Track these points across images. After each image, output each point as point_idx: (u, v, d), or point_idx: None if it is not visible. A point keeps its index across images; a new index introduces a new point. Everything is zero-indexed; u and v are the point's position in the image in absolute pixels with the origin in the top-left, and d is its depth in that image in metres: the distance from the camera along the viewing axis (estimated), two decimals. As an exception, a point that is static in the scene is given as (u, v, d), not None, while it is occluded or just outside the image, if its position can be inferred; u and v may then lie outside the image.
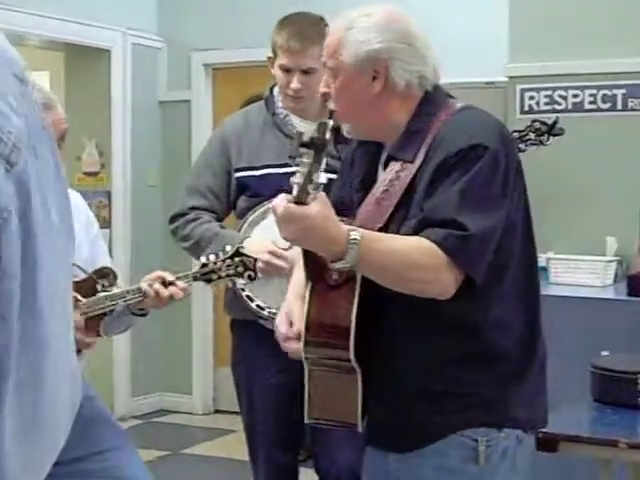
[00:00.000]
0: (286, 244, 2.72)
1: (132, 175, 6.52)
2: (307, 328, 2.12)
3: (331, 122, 1.97)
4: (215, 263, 2.71)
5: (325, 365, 2.15)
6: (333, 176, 2.48)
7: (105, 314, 2.64)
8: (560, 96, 4.89)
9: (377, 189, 2.16)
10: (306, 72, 3.04)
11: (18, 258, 0.70)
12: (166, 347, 6.67)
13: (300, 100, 3.10)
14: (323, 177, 1.95)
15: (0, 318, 0.70)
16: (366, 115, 2.18)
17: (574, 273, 4.58)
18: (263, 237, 2.94)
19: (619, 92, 4.78)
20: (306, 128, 3.15)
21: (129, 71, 6.47)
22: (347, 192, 2.30)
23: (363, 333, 2.09)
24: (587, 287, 4.50)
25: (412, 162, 2.11)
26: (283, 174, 2.87)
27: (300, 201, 1.93)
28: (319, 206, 1.94)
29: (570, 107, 4.87)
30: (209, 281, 2.72)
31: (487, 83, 5.34)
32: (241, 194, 3.16)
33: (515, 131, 4.61)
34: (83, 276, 2.66)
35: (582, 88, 4.85)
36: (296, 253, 2.30)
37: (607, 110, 4.81)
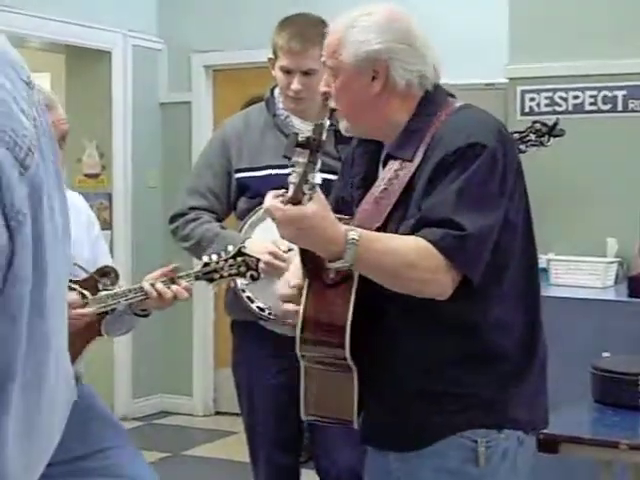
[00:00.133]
0: (287, 245, 2.72)
1: (133, 177, 6.52)
2: (303, 326, 2.12)
3: (327, 123, 1.97)
4: (217, 263, 2.71)
5: (321, 363, 2.15)
6: (334, 177, 2.48)
7: (106, 313, 2.64)
8: (560, 97, 4.90)
9: (376, 188, 2.16)
10: (306, 73, 3.05)
11: (30, 262, 0.71)
12: (167, 349, 6.67)
13: (301, 101, 3.10)
14: (318, 177, 1.95)
15: (11, 321, 0.70)
16: (366, 115, 2.18)
17: (575, 274, 4.58)
18: (264, 238, 2.94)
19: (620, 93, 4.78)
20: (306, 129, 3.16)
21: (130, 73, 6.47)
22: (348, 191, 2.30)
23: (361, 333, 2.09)
24: (588, 288, 4.50)
25: (411, 161, 2.11)
26: (284, 175, 2.86)
27: (296, 201, 1.94)
28: (316, 206, 1.94)
29: (570, 108, 4.88)
30: (211, 280, 2.72)
31: (487, 84, 5.34)
32: (241, 195, 3.16)
33: (515, 132, 4.61)
34: (85, 275, 2.66)
35: (582, 89, 4.85)
36: (296, 253, 2.31)
37: (608, 111, 4.81)
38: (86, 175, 6.49)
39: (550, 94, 4.91)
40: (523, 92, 4.96)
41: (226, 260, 2.71)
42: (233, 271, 2.72)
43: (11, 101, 0.71)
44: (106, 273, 2.66)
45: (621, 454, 2.72)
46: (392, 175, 2.13)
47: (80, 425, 2.69)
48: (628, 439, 2.71)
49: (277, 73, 3.12)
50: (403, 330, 2.12)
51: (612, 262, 4.63)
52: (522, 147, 4.55)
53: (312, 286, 2.13)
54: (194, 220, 3.13)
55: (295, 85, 3.06)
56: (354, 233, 1.98)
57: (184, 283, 2.66)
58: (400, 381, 2.13)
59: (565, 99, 4.89)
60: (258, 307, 3.01)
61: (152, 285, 2.63)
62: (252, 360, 3.16)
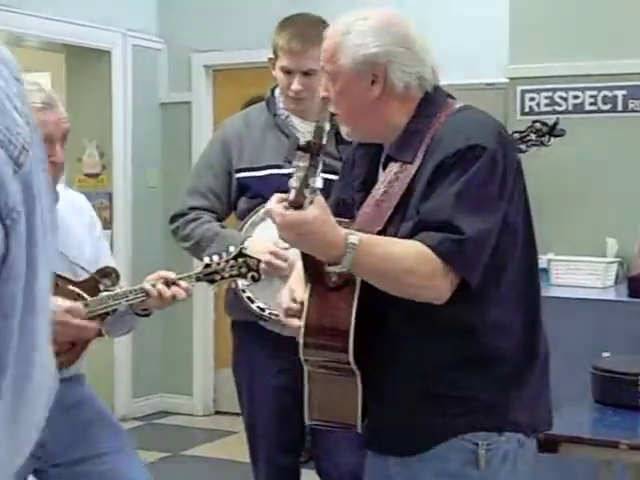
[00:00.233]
0: (286, 244, 2.72)
1: (133, 176, 6.52)
2: (306, 330, 2.11)
3: (328, 126, 1.95)
4: (218, 264, 2.70)
5: (325, 367, 2.14)
6: (334, 177, 2.48)
7: (108, 314, 2.64)
8: (560, 97, 4.90)
9: (376, 191, 2.15)
10: (307, 73, 3.05)
11: (24, 259, 0.71)
12: (167, 348, 6.67)
13: (301, 101, 3.10)
14: (319, 181, 1.94)
15: (3, 317, 0.71)
16: (366, 118, 2.17)
17: (575, 274, 4.58)
18: (264, 237, 2.94)
19: (619, 93, 4.79)
20: (307, 129, 3.17)
21: (130, 72, 6.47)
22: (348, 193, 2.29)
23: (363, 337, 2.08)
24: (588, 288, 4.50)
25: (411, 163, 2.10)
26: (284, 175, 2.87)
27: (297, 205, 1.93)
28: (317, 210, 1.94)
29: (570, 108, 4.88)
30: (212, 282, 2.72)
31: (487, 84, 5.34)
32: (242, 195, 3.16)
33: (516, 132, 4.62)
34: (86, 276, 2.66)
35: (582, 89, 4.85)
36: (295, 253, 2.30)
37: (608, 111, 4.82)
38: (86, 175, 6.49)
39: (550, 94, 4.91)
40: (523, 92, 4.96)
41: (227, 261, 2.70)
42: (234, 272, 2.71)
43: (4, 98, 0.71)
44: (107, 274, 2.65)
45: (621, 454, 2.72)
46: (392, 177, 2.12)
47: (82, 427, 2.69)
48: (628, 439, 2.71)
49: (277, 73, 3.12)
50: (405, 335, 2.11)
51: (612, 262, 4.63)
52: (522, 147, 4.56)
53: (314, 290, 2.13)
54: (194, 220, 3.13)
55: (295, 85, 3.06)
56: (354, 237, 1.97)
57: (184, 284, 2.65)
58: (402, 385, 2.12)
59: (565, 99, 4.89)
60: (258, 307, 3.01)
61: (153, 286, 2.62)
62: (252, 360, 3.16)
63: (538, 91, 4.92)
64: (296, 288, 2.22)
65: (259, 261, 2.73)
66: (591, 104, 4.84)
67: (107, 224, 6.21)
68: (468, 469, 2.10)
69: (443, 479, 2.11)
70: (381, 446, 2.20)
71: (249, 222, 3.07)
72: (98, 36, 6.23)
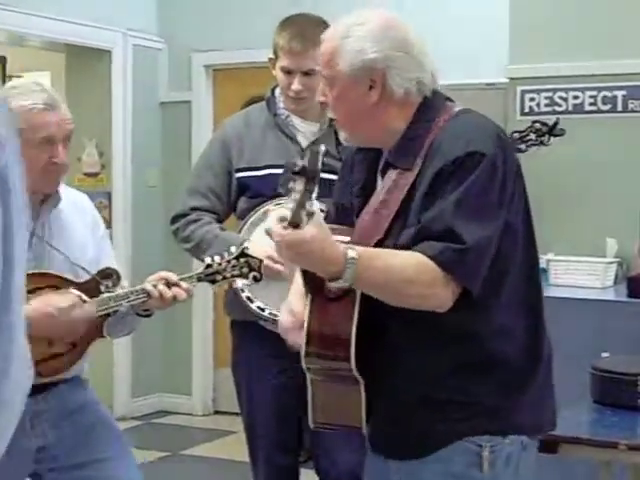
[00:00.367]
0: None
1: (132, 176, 6.52)
2: (308, 340, 2.10)
3: (323, 149, 1.91)
4: (220, 264, 2.69)
5: (327, 375, 2.13)
6: (334, 177, 2.48)
7: (109, 315, 2.63)
8: (560, 97, 4.90)
9: (376, 198, 2.13)
10: (307, 73, 3.05)
11: (1, 255, 0.70)
12: (166, 348, 6.67)
13: (301, 101, 3.10)
14: (316, 205, 1.92)
15: None
16: (364, 124, 2.15)
17: (574, 274, 4.58)
18: (262, 240, 2.93)
19: (619, 93, 4.79)
20: (307, 129, 3.17)
21: (129, 72, 6.47)
22: (347, 197, 2.28)
23: (363, 348, 2.07)
24: (587, 289, 4.50)
25: (410, 170, 2.08)
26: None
27: (296, 224, 1.92)
28: (315, 229, 1.92)
29: (570, 108, 4.88)
30: (213, 282, 2.71)
31: (487, 84, 5.34)
32: (242, 195, 3.16)
33: (516, 132, 4.62)
34: (87, 277, 2.65)
35: (582, 89, 4.85)
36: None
37: (607, 111, 4.82)
38: (85, 174, 6.49)
39: (550, 94, 4.91)
40: (523, 92, 4.96)
41: (229, 261, 2.70)
42: (236, 272, 2.70)
43: None
44: (108, 275, 2.64)
45: (620, 454, 2.72)
46: (391, 185, 2.10)
47: (85, 432, 2.69)
48: (627, 439, 2.71)
49: (278, 73, 3.12)
50: (405, 346, 2.10)
51: (611, 262, 4.64)
52: (522, 147, 4.56)
53: (315, 300, 2.12)
54: (195, 221, 3.13)
55: (296, 85, 3.06)
56: (353, 252, 1.96)
57: (185, 285, 2.65)
58: (402, 392, 2.11)
59: (565, 99, 4.89)
60: (258, 307, 3.01)
61: (154, 286, 2.62)
62: (252, 360, 3.16)
63: (538, 91, 4.93)
64: (295, 301, 2.22)
65: (261, 261, 2.72)
66: (591, 104, 4.84)
67: (106, 223, 6.18)
68: (472, 471, 2.08)
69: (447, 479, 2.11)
70: (383, 451, 2.19)
71: (249, 222, 3.07)
72: (98, 36, 6.23)
